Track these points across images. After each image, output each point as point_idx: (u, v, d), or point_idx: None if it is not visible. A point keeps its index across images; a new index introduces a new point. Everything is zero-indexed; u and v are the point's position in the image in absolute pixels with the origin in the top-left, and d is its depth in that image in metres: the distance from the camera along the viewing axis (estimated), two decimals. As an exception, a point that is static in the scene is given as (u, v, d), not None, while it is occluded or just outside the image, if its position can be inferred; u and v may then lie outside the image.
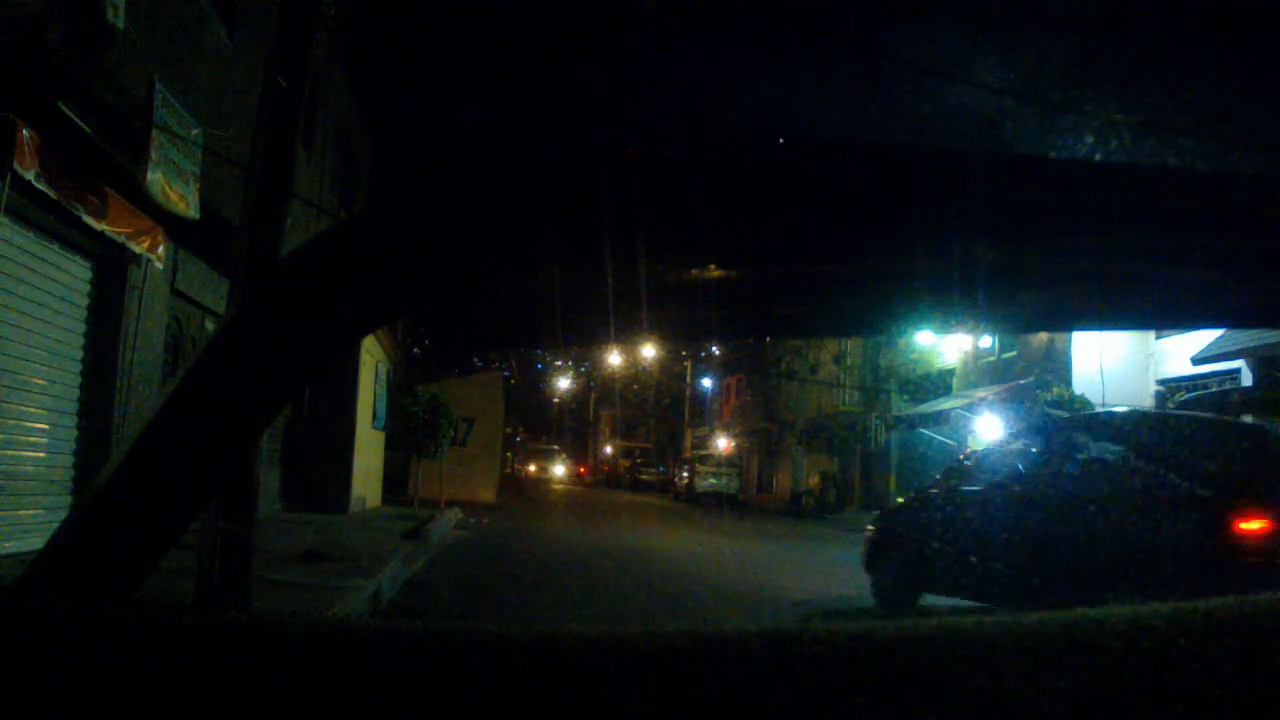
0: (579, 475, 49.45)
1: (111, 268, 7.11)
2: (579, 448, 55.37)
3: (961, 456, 9.09)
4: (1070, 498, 5.34)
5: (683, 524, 17.63)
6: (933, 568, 6.40)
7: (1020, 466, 6.19)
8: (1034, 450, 6.23)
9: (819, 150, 0.68)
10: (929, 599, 6.66)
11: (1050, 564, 5.21)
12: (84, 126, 5.66)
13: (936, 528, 6.54)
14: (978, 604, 6.04)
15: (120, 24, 5.47)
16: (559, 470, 47.61)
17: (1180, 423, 6.15)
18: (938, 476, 8.36)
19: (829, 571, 9.70)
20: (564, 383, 54.23)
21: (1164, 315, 1.32)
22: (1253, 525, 4.38)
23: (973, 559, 5.91)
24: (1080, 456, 5.68)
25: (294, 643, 0.51)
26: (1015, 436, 7.46)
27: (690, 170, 0.67)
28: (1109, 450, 5.62)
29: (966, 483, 6.72)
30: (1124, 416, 7.26)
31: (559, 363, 51.76)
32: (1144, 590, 4.43)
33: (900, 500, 9.44)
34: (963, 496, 6.49)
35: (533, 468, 49.14)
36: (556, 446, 53.89)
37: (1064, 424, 6.54)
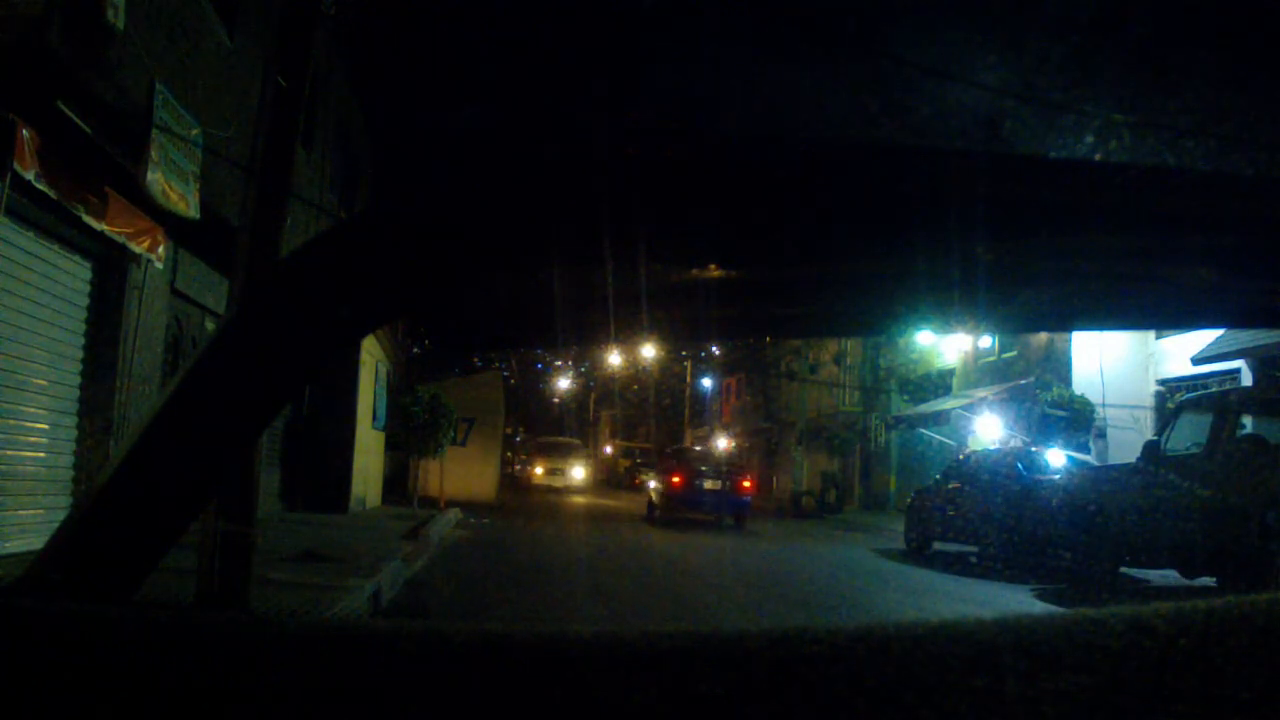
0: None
1: (111, 268, 7.11)
2: (579, 448, 52.95)
3: None
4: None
5: (681, 523, 17.62)
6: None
7: None
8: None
9: (819, 150, 0.68)
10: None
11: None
12: (84, 126, 5.67)
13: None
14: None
15: (120, 24, 5.47)
16: (578, 473, 31.86)
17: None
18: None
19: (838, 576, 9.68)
20: (564, 383, 52.78)
21: (1164, 315, 1.32)
22: (675, 479, 16.74)
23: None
24: None
25: (294, 643, 0.51)
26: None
27: (691, 170, 0.67)
28: None
29: None
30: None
31: (559, 363, 50.62)
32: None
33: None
34: None
35: (540, 470, 32.06)
36: (575, 439, 37.67)
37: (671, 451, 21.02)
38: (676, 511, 16.91)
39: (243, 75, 8.19)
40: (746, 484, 16.99)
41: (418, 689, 0.46)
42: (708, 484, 16.53)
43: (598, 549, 11.61)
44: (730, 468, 17.59)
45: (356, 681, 0.47)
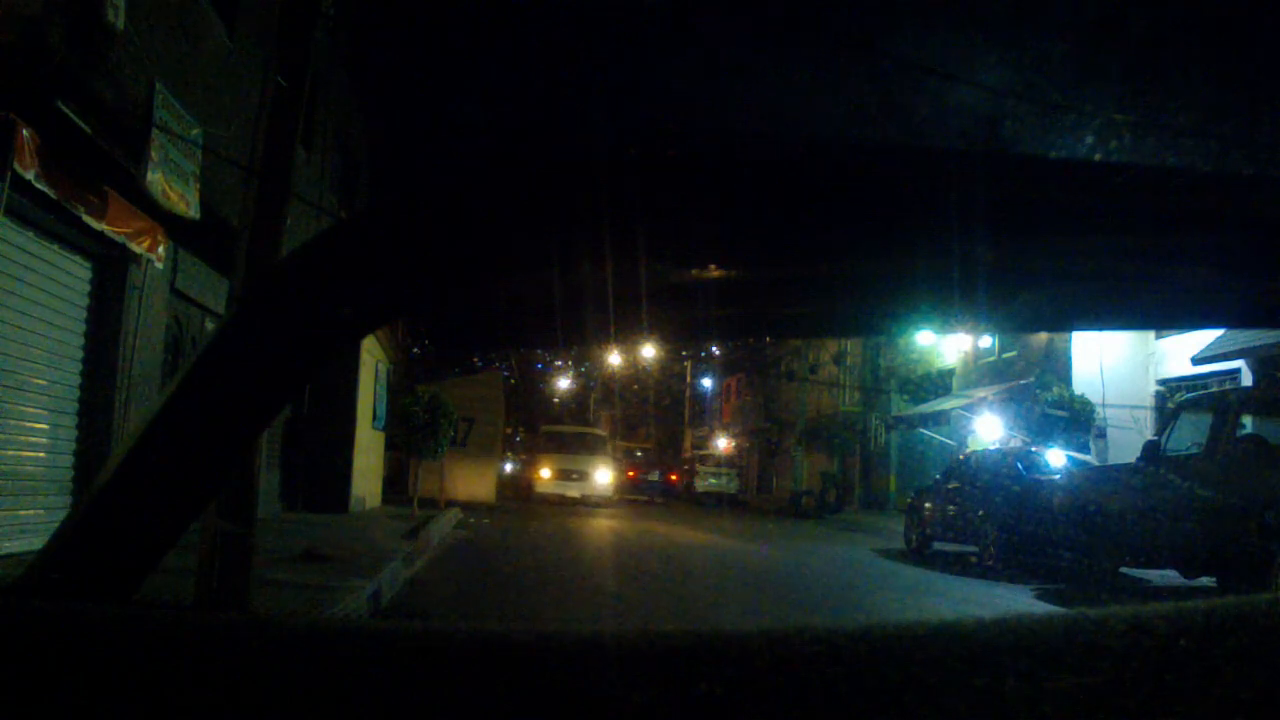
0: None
1: (111, 268, 7.11)
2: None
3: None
4: None
5: (681, 523, 17.63)
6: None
7: None
8: None
9: (819, 150, 0.68)
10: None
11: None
12: (84, 126, 5.66)
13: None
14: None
15: (120, 24, 5.47)
16: (603, 477, 22.33)
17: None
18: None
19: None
20: (564, 383, 52.72)
21: (1164, 315, 1.32)
22: (630, 474, 32.64)
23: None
24: None
25: (294, 643, 0.51)
26: None
27: (690, 170, 0.66)
28: None
29: None
30: None
31: (559, 363, 50.49)
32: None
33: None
34: None
35: (546, 472, 22.30)
36: (598, 429, 28.39)
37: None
38: (627, 494, 27.89)
39: (243, 75, 8.18)
40: (673, 477, 32.17)
41: (418, 689, 0.46)
42: (649, 476, 31.47)
43: (594, 544, 11.63)
44: (663, 466, 31.76)
45: (356, 681, 0.47)
